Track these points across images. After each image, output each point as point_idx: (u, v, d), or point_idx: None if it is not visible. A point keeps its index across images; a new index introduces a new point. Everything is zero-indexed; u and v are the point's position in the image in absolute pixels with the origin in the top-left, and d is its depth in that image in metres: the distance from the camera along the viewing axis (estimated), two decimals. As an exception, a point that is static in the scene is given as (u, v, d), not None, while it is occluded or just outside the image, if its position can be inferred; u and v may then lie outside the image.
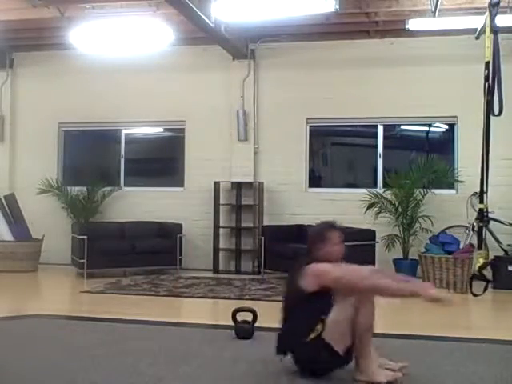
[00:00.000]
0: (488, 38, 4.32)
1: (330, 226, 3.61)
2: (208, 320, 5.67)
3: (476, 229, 7.32)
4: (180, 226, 8.40)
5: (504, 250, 7.35)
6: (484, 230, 4.85)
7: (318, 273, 3.36)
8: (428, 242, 7.42)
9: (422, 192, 7.73)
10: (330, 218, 8.59)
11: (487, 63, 4.30)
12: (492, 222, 6.91)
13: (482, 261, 4.26)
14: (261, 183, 8.63)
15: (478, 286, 4.20)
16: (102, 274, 7.75)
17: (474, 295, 4.16)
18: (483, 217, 4.52)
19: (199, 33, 7.52)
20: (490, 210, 4.71)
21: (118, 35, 7.59)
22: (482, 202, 4.46)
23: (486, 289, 4.17)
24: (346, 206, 8.25)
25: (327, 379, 3.50)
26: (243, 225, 8.62)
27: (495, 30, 4.27)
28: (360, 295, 3.28)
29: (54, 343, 4.35)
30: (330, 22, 7.67)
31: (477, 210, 7.34)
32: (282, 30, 8.29)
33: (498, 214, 7.04)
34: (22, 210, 8.79)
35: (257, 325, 4.53)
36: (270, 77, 8.76)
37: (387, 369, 3.47)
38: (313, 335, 3.35)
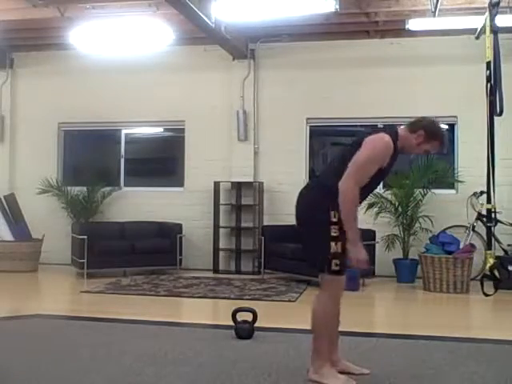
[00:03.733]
0: (488, 37, 4.32)
1: (442, 134, 3.44)
2: (208, 320, 5.68)
3: (475, 228, 7.42)
4: (180, 226, 8.39)
5: (504, 250, 7.35)
6: (492, 230, 4.83)
7: (367, 142, 3.26)
8: (428, 241, 7.41)
9: (421, 192, 7.72)
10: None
11: (488, 63, 4.30)
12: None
13: (492, 260, 4.26)
14: (261, 183, 8.63)
15: (476, 286, 4.21)
16: (102, 274, 7.74)
17: (486, 295, 4.16)
18: (491, 217, 4.52)
19: (199, 33, 7.52)
20: (496, 210, 4.71)
21: (118, 35, 7.59)
22: (489, 202, 4.46)
23: (497, 289, 4.17)
24: (346, 206, 8.24)
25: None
26: (243, 225, 8.62)
27: (495, 30, 4.27)
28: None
29: (54, 343, 4.35)
30: (330, 21, 7.67)
31: (476, 210, 7.44)
32: (282, 30, 8.29)
33: (498, 214, 7.03)
34: (21, 210, 8.79)
35: (257, 325, 4.53)
36: (269, 77, 8.76)
37: (348, 373, 3.45)
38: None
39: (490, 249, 4.43)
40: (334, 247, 3.23)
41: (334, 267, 3.25)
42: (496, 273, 4.23)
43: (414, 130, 3.38)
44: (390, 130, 3.42)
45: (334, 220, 3.24)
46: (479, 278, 4.54)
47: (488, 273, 4.25)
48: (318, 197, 3.33)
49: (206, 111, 8.85)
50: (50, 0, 7.26)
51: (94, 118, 9.22)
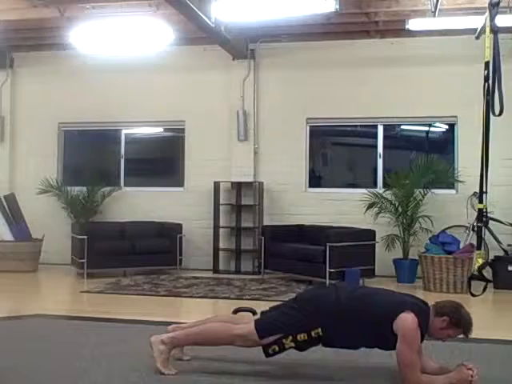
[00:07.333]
0: (488, 37, 4.32)
1: (467, 323, 3.41)
2: (208, 320, 5.66)
3: (475, 228, 7.42)
4: (180, 226, 8.39)
5: (504, 250, 7.36)
6: (483, 230, 4.83)
7: (404, 333, 3.24)
8: (428, 241, 7.42)
9: (421, 192, 7.72)
10: (330, 217, 8.60)
11: (487, 63, 4.29)
12: (492, 222, 6.94)
13: (480, 261, 4.25)
14: (261, 183, 8.63)
15: (476, 286, 4.20)
16: (102, 274, 7.75)
17: (473, 295, 4.16)
18: (482, 217, 4.51)
19: (199, 33, 7.52)
20: (489, 210, 4.71)
21: (118, 35, 7.57)
22: (481, 202, 4.45)
23: (485, 289, 4.16)
24: (345, 205, 8.26)
25: (327, 378, 3.50)
26: (243, 225, 8.62)
27: (495, 30, 4.26)
28: None
29: (54, 343, 4.35)
30: (330, 22, 7.67)
31: (476, 209, 7.44)
32: (282, 30, 8.28)
33: (498, 213, 7.05)
34: (21, 210, 8.79)
35: (257, 325, 4.52)
36: (269, 77, 8.76)
37: None
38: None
39: (479, 249, 4.41)
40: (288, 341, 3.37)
41: (270, 351, 3.42)
42: (484, 273, 4.22)
43: (441, 314, 3.37)
44: (423, 308, 3.41)
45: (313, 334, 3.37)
46: (467, 278, 4.54)
47: (476, 273, 4.24)
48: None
49: (206, 111, 8.86)
50: (50, 0, 7.26)
51: (94, 117, 9.23)
